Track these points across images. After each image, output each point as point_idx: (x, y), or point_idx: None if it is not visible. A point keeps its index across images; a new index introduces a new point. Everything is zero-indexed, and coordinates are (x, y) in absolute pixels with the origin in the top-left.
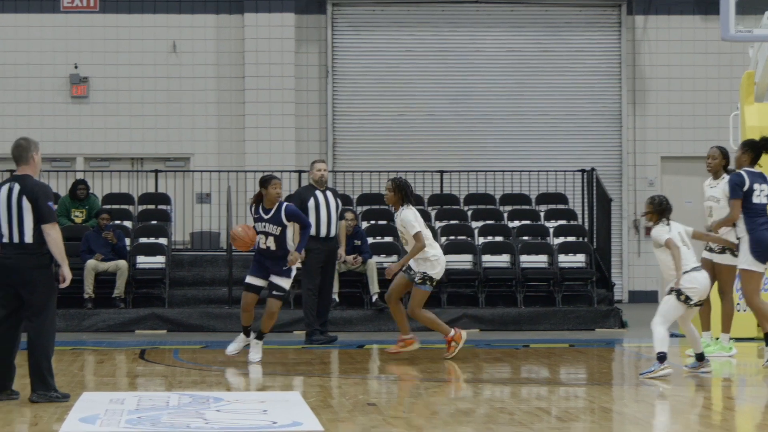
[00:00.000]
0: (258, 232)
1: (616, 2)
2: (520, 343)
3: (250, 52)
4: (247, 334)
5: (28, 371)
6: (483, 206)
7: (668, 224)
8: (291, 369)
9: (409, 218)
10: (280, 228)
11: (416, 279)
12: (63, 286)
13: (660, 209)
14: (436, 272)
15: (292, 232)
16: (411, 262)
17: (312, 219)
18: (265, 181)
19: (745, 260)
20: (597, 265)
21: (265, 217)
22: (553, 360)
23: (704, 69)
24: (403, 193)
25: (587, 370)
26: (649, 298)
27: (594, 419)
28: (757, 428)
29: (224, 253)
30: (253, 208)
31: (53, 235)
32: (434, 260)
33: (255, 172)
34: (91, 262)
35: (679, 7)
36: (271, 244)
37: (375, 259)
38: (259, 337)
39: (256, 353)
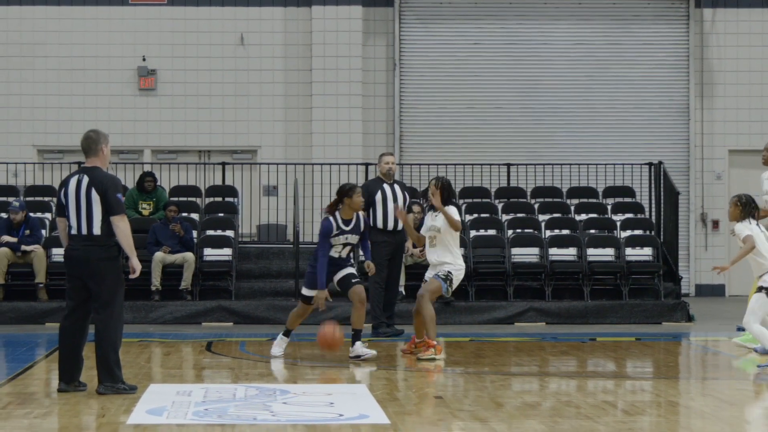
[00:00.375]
0: (335, 245)
1: None
2: (587, 337)
3: (317, 45)
4: (289, 336)
5: (95, 363)
6: (550, 199)
7: (751, 223)
8: (358, 361)
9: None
10: (359, 237)
11: (440, 274)
12: (133, 277)
13: (747, 208)
14: (459, 276)
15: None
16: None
17: (379, 212)
18: (349, 190)
19: None
20: (664, 259)
21: (346, 228)
22: (619, 353)
23: None
24: (448, 193)
25: (654, 364)
26: (716, 291)
27: (660, 413)
28: None
29: (291, 246)
30: (335, 224)
31: (122, 227)
32: (461, 267)
33: (322, 164)
34: (158, 255)
35: (748, 0)
36: (345, 253)
37: None
38: (358, 337)
39: (365, 350)
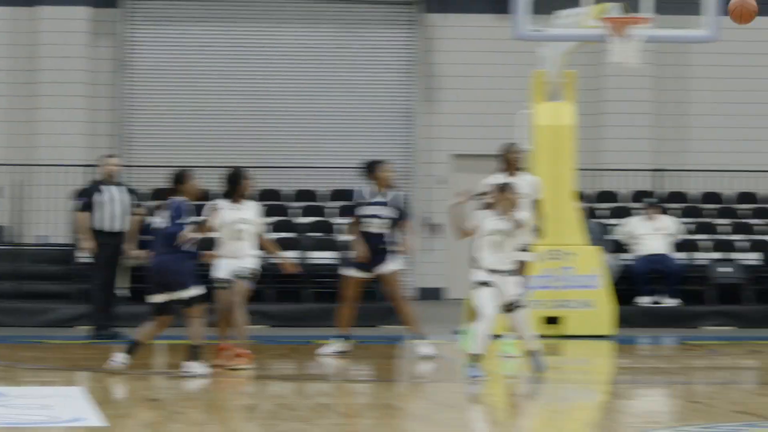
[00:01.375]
0: None
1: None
2: (307, 339)
3: (44, 45)
4: None
5: None
6: (273, 202)
7: None
8: (75, 364)
9: None
10: None
11: None
12: None
13: None
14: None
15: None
16: None
17: (101, 214)
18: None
19: None
20: None
21: None
22: (343, 357)
23: (497, 67)
24: None
25: (371, 367)
26: (437, 295)
27: (376, 415)
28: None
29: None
30: None
31: None
32: None
33: (48, 165)
34: None
35: (474, 6)
36: None
37: None
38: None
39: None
